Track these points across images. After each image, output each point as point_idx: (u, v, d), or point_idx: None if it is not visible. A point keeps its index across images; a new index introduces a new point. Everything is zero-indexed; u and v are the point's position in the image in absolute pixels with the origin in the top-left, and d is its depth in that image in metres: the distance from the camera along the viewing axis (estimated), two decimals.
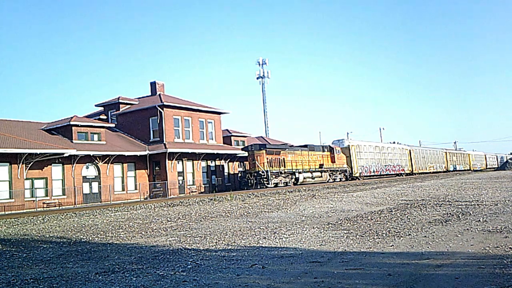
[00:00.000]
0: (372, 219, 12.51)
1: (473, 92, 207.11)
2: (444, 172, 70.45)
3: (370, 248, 8.26)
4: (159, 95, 42.23)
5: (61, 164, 30.34)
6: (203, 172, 39.68)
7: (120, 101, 41.22)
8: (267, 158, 35.92)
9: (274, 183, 35.70)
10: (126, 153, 33.91)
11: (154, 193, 34.97)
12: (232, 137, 46.75)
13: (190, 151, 37.04)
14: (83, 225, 14.12)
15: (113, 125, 38.14)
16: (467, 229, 9.90)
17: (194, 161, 38.79)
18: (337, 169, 44.77)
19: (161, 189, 34.90)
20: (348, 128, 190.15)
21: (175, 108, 38.99)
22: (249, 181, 35.61)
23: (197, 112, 41.16)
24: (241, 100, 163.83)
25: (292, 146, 43.62)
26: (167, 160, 35.78)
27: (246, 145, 43.54)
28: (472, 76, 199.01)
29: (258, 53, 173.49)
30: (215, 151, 39.42)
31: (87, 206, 24.78)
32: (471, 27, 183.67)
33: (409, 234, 9.54)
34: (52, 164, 29.78)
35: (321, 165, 42.15)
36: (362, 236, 9.68)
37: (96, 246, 10.02)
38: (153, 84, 44.28)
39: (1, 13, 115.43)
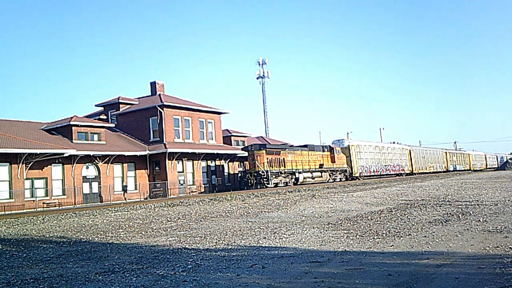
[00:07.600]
0: (372, 219, 12.51)
1: (473, 92, 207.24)
2: (444, 172, 70.41)
3: (370, 248, 8.26)
4: (159, 95, 42.23)
5: (61, 164, 30.35)
6: (203, 172, 39.68)
7: (120, 101, 41.24)
8: (267, 158, 35.92)
9: (274, 183, 35.69)
10: (126, 153, 33.92)
11: (154, 193, 34.96)
12: (232, 137, 46.76)
13: (190, 151, 37.05)
14: (83, 225, 14.12)
15: (113, 125, 38.15)
16: (467, 229, 9.90)
17: (194, 161, 38.79)
18: (337, 169, 44.76)
19: (161, 189, 34.90)
20: (348, 128, 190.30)
21: (175, 108, 38.99)
22: (249, 181, 35.60)
23: (197, 112, 41.17)
24: (241, 100, 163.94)
25: (292, 146, 43.60)
26: (167, 160, 35.78)
27: (246, 145, 43.53)
28: (472, 76, 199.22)
29: (258, 53, 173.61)
30: (215, 151, 39.43)
31: (87, 206, 24.77)
32: (471, 27, 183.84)
33: (409, 234, 9.54)
34: (52, 164, 29.79)
35: (321, 165, 42.15)
36: (362, 236, 9.68)
37: (96, 246, 10.02)
38: (153, 84, 44.29)
39: (1, 13, 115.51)
